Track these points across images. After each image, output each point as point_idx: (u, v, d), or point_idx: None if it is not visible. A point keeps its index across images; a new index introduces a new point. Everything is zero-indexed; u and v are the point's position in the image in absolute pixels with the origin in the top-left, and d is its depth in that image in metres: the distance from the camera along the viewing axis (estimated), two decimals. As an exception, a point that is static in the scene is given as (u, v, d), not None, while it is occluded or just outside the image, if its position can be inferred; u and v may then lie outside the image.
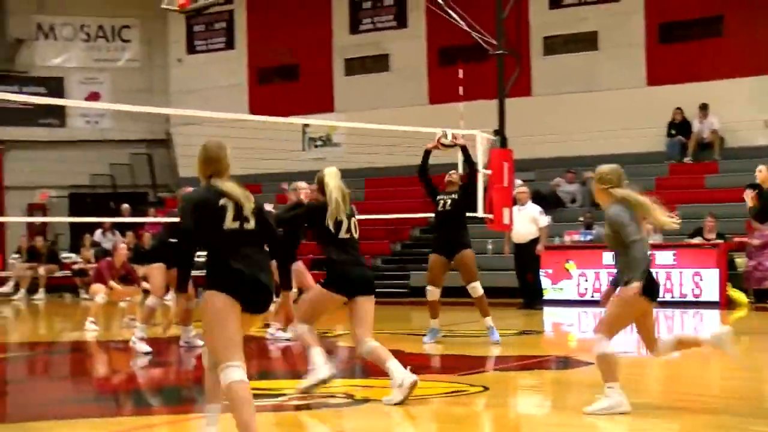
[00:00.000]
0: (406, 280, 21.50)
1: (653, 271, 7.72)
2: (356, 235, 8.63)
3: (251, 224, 6.24)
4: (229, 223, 6.17)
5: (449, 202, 12.39)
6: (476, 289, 12.16)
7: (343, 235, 8.50)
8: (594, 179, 7.79)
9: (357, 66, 27.81)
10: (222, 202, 6.21)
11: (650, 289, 7.50)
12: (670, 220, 7.67)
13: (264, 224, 6.34)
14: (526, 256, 17.93)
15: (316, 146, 27.34)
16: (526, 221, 17.74)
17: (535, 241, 17.88)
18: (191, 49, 30.06)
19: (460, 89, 20.85)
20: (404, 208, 20.97)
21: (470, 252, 12.27)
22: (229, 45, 29.57)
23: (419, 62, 26.59)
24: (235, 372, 5.97)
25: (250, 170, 24.97)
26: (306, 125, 26.34)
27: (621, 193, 7.57)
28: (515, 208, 17.69)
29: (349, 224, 8.62)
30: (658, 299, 7.70)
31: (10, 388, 9.97)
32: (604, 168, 7.76)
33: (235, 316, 6.06)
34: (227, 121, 20.31)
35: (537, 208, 18.10)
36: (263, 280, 6.14)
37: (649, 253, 7.55)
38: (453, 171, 12.88)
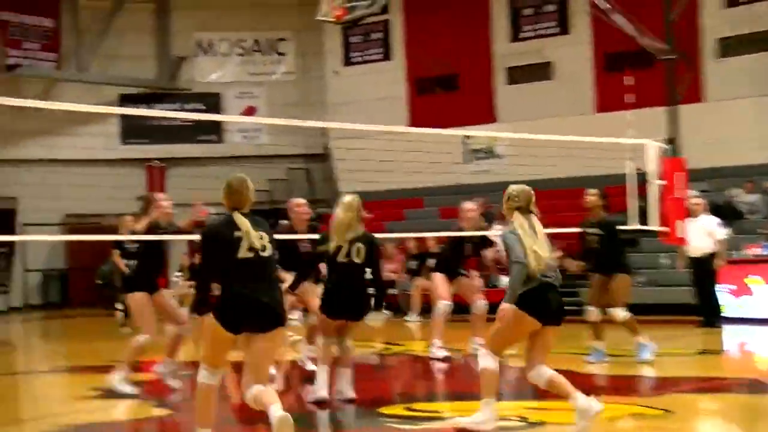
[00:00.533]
0: (575, 297, 21.20)
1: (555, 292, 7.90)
2: (357, 260, 9.32)
3: (267, 252, 7.18)
4: (243, 252, 7.10)
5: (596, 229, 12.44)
6: (617, 314, 12.13)
7: (341, 258, 9.24)
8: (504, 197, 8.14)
9: (518, 74, 27.68)
10: (237, 234, 7.17)
11: (537, 309, 7.72)
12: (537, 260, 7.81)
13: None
14: (702, 271, 17.46)
15: (477, 158, 27.28)
16: (702, 234, 17.30)
17: (711, 255, 17.40)
18: (347, 61, 30.38)
19: (628, 96, 20.54)
20: (570, 221, 20.72)
21: (625, 277, 12.38)
22: (387, 56, 29.78)
23: (583, 69, 26.30)
24: (204, 374, 7.16)
25: (410, 184, 25.21)
26: (467, 137, 26.29)
27: (517, 221, 7.97)
28: (688, 221, 17.29)
29: (349, 249, 9.34)
30: (556, 320, 7.87)
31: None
32: (514, 188, 8.16)
33: (225, 337, 7.05)
34: (386, 134, 20.54)
35: (714, 220, 17.63)
36: (264, 300, 7.00)
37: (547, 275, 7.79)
38: (591, 192, 12.77)
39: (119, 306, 19.70)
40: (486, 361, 7.92)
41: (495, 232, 14.45)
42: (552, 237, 21.34)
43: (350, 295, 9.44)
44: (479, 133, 23.94)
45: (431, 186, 25.64)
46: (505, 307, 7.79)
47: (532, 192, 8.22)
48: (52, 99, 27.98)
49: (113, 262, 18.37)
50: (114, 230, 18.19)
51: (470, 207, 13.99)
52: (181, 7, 30.71)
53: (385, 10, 24.37)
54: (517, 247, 7.84)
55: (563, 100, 26.13)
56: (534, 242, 7.92)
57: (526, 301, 7.75)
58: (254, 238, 7.18)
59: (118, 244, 19.65)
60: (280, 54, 31.28)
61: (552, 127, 19.99)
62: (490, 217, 20.62)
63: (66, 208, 28.16)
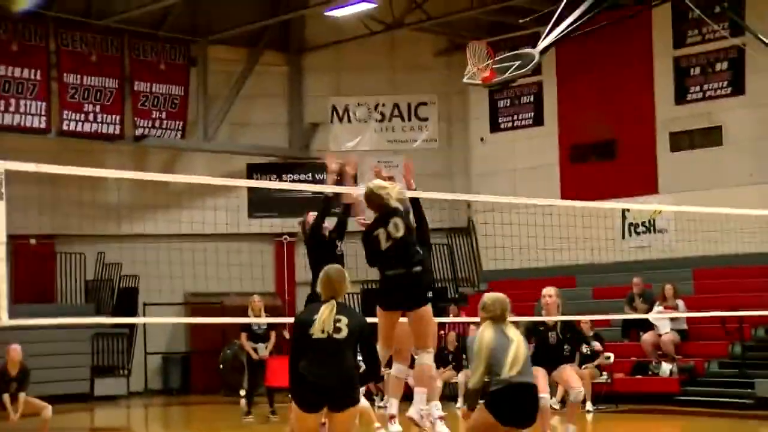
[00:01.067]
0: (750, 389, 20.88)
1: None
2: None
3: (341, 334, 8.32)
4: (317, 333, 8.33)
5: None
6: None
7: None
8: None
9: (684, 140, 27.48)
10: (315, 317, 8.41)
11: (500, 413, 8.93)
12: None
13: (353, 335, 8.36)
14: None
15: (637, 233, 27.15)
16: None
17: None
18: (495, 127, 30.58)
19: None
20: (743, 302, 20.51)
21: None
22: (538, 121, 29.87)
23: (760, 133, 25.91)
24: None
25: (563, 261, 25.21)
26: (626, 210, 26.21)
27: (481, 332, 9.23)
28: None
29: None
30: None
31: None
32: (488, 297, 9.46)
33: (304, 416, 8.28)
34: (536, 207, 20.69)
35: None
36: (328, 382, 8.17)
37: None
38: None
39: (242, 392, 20.21)
40: None
41: (653, 315, 14.49)
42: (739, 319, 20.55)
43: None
44: (640, 206, 23.88)
45: (586, 263, 25.60)
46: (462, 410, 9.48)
47: (507, 300, 9.50)
48: (177, 170, 28.95)
49: (239, 345, 18.89)
50: (238, 310, 18.68)
51: (547, 292, 14.05)
52: (315, 70, 31.40)
53: (537, 71, 24.64)
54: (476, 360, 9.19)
55: (735, 168, 25.78)
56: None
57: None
58: (328, 321, 8.35)
59: (247, 327, 20.28)
60: (421, 120, 31.67)
61: (722, 199, 19.93)
62: (649, 297, 20.66)
63: (188, 287, 28.86)
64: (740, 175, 25.51)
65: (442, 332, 24.39)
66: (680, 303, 22.15)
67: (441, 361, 23.39)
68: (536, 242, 21.68)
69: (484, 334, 9.13)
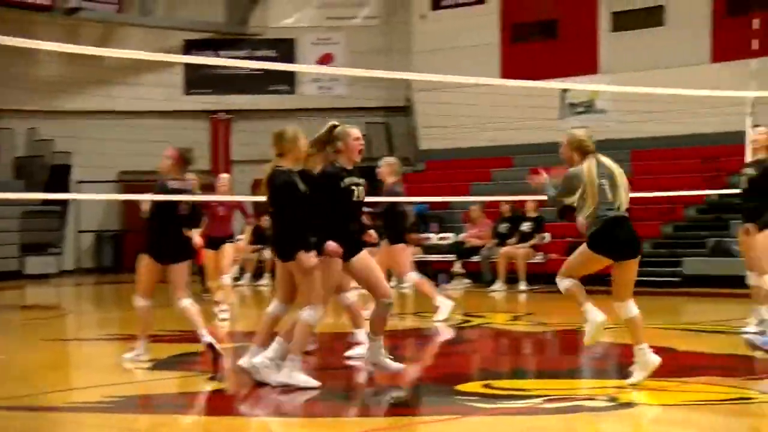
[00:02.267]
0: (679, 267, 21.13)
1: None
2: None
3: None
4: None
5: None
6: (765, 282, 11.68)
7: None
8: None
9: (626, 20, 27.37)
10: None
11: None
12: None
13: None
14: None
15: (576, 113, 27.13)
16: None
17: None
18: (436, 4, 30.28)
19: (754, 43, 20.20)
20: (678, 184, 20.62)
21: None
22: (479, -2, 29.65)
23: (700, 13, 25.85)
24: None
25: (501, 141, 25.18)
26: (565, 90, 26.15)
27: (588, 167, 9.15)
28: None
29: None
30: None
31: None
32: (581, 132, 9.38)
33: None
34: (475, 86, 20.54)
35: None
36: None
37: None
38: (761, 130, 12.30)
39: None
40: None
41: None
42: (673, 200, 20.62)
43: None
44: (580, 86, 23.79)
45: (524, 143, 25.55)
46: None
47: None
48: (112, 45, 28.46)
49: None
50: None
51: None
52: (253, -56, 30.94)
53: (479, -53, 24.36)
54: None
55: (676, 49, 25.75)
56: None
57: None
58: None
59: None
60: (362, -5, 31.38)
61: (662, 80, 19.87)
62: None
63: (122, 165, 28.59)
64: (681, 55, 25.48)
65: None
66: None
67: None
68: (475, 120, 21.60)
69: (591, 169, 9.06)
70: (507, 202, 22.07)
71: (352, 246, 9.51)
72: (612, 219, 8.98)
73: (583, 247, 9.17)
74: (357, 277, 9.77)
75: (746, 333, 10.94)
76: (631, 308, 9.10)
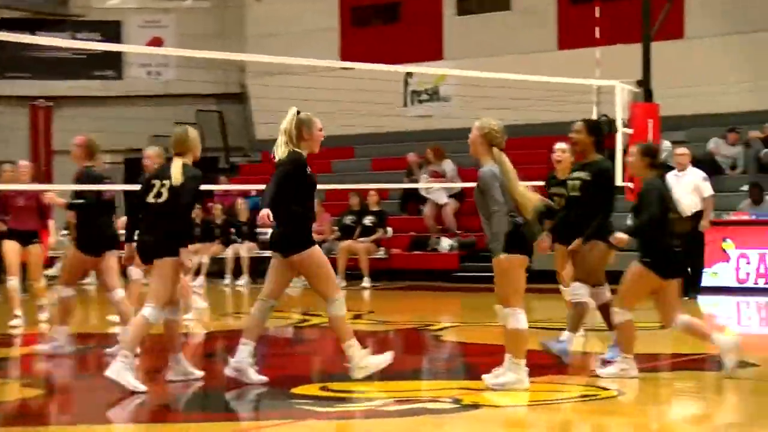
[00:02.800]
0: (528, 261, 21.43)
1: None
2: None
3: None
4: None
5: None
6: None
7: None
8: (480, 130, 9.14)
9: (471, 4, 27.68)
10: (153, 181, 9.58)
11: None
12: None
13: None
14: (687, 234, 17.56)
15: (420, 101, 27.33)
16: (688, 190, 17.47)
17: (698, 216, 17.58)
18: (271, -14, 30.22)
19: (597, 31, 20.63)
20: (526, 176, 20.86)
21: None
22: (318, -21, 29.64)
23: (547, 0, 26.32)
24: None
25: (342, 130, 25.18)
26: (408, 75, 26.31)
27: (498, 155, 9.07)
28: (673, 175, 17.53)
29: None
30: None
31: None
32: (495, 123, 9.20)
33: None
34: (315, 71, 20.54)
35: (700, 174, 17.85)
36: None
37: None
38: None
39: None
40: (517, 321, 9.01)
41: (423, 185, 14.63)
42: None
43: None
44: (424, 70, 23.94)
45: (367, 132, 25.63)
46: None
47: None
48: None
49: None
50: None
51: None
52: None
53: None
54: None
55: (523, 35, 26.16)
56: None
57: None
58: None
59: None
60: (192, -24, 31.12)
61: (509, 66, 20.08)
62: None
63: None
64: (529, 41, 25.85)
65: (211, 204, 24.23)
66: (448, 164, 22.51)
67: (207, 235, 23.26)
68: (314, 109, 21.53)
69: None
70: (353, 191, 22.06)
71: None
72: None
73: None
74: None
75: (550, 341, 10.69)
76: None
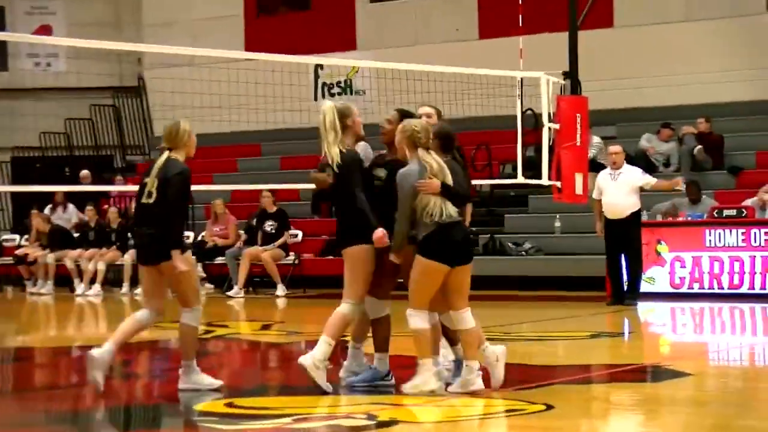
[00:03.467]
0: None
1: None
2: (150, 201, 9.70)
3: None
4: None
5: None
6: None
7: (144, 200, 9.77)
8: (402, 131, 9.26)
9: (386, -12, 27.71)
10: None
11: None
12: None
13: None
14: (624, 236, 17.70)
15: (332, 94, 27.32)
16: (625, 190, 17.63)
17: (636, 215, 17.73)
18: (169, -29, 30.06)
19: (520, 19, 20.75)
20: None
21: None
22: (221, -37, 29.54)
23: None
24: None
25: (247, 125, 25.09)
26: (319, 66, 26.28)
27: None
28: (606, 174, 17.68)
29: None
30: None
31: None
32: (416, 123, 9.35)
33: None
34: (218, 63, 20.42)
35: (636, 171, 18.04)
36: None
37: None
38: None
39: None
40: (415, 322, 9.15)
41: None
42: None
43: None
44: (335, 61, 23.92)
45: (274, 128, 25.56)
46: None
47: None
48: None
49: None
50: None
51: None
52: None
53: None
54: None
55: (442, 23, 26.26)
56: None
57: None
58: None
59: None
60: (82, -40, 30.84)
61: (427, 56, 20.13)
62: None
63: None
64: (447, 30, 25.94)
65: (106, 206, 24.03)
66: (363, 145, 22.50)
67: (104, 240, 23.09)
68: (217, 102, 21.44)
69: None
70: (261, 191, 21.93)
71: None
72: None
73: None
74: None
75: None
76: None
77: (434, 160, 9.20)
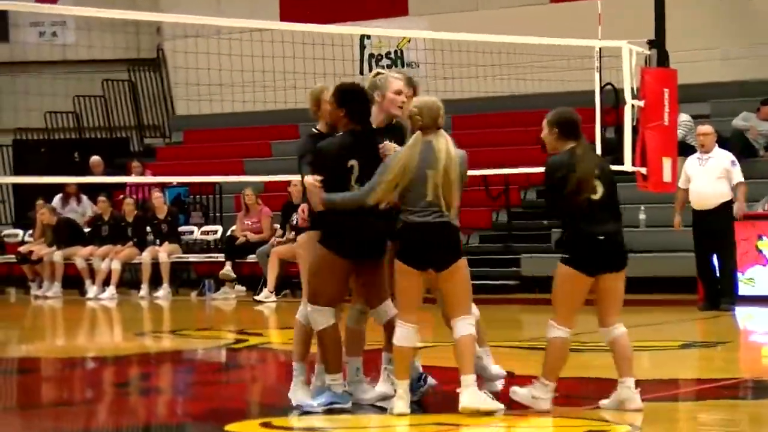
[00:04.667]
0: (515, 266, 21.48)
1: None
2: None
3: None
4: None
5: None
6: None
7: None
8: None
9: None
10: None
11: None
12: None
13: None
14: (715, 230, 17.63)
15: (380, 67, 27.33)
16: (714, 176, 17.57)
17: (727, 206, 17.66)
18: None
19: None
20: (512, 158, 20.91)
21: None
22: None
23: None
24: None
25: (283, 104, 25.18)
26: (365, 36, 26.31)
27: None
28: (695, 159, 17.63)
29: None
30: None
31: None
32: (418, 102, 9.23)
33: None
34: (249, 33, 20.43)
35: (728, 156, 17.95)
36: None
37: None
38: None
39: None
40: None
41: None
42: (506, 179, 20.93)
43: None
44: (384, 31, 23.95)
45: (308, 107, 25.61)
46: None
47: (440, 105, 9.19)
48: None
49: None
50: None
51: None
52: None
53: None
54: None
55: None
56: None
57: None
58: None
59: None
60: None
61: (489, 24, 20.16)
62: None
63: None
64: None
65: (122, 196, 24.12)
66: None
67: (119, 235, 23.19)
68: (246, 79, 21.51)
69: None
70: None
71: None
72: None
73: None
74: None
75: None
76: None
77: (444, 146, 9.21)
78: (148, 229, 23.27)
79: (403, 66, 26.95)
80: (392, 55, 27.31)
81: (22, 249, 24.50)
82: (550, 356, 9.33)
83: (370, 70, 26.96)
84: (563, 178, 9.15)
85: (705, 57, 22.69)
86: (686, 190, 17.66)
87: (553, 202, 9.36)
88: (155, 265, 22.69)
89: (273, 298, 21.07)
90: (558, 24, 21.14)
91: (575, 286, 9.21)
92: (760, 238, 18.67)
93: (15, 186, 28.35)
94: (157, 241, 23.00)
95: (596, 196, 9.19)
